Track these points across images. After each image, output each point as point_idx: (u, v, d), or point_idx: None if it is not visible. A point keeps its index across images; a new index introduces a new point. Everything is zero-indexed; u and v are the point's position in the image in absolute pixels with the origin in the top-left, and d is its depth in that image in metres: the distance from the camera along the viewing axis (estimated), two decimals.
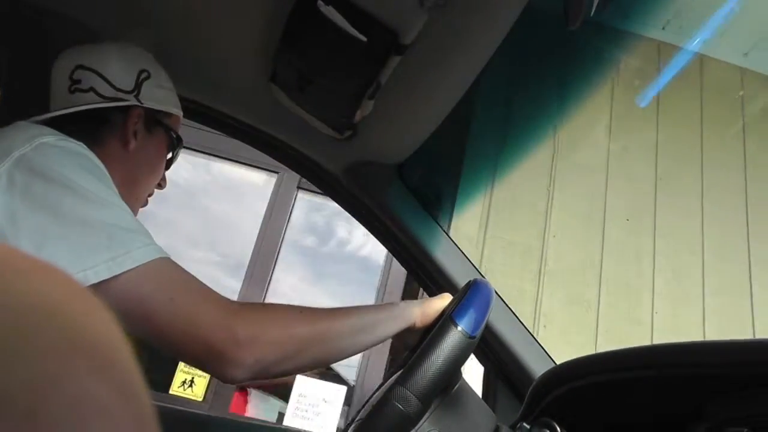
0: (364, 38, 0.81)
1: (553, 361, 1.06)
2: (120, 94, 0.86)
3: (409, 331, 0.81)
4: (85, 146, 0.71)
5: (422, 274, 1.16)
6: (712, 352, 0.48)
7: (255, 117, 1.19)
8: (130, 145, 0.86)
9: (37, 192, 0.62)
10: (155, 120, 0.91)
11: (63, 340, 0.16)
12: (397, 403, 0.54)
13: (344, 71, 0.91)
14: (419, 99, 0.97)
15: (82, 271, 0.58)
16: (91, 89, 0.84)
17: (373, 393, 0.76)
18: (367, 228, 1.22)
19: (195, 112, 1.19)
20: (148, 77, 0.90)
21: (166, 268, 0.65)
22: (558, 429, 0.62)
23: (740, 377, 0.45)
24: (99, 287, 0.59)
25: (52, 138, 0.68)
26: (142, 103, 0.88)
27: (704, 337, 2.56)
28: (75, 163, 0.67)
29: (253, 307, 0.69)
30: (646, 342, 2.44)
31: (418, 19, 0.77)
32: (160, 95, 0.92)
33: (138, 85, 0.88)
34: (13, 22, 1.05)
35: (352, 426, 0.67)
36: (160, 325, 0.62)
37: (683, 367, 0.49)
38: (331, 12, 0.79)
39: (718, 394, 0.47)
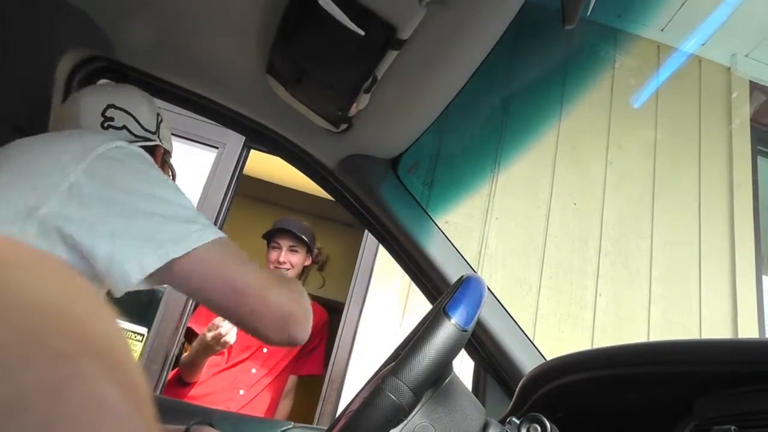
0: (361, 32, 0.81)
1: (543, 357, 1.07)
2: (148, 134, 0.97)
3: None
4: (145, 152, 0.84)
5: (414, 268, 1.16)
6: (702, 351, 0.48)
7: (251, 108, 1.19)
8: None
9: (120, 179, 0.76)
10: (165, 159, 1.03)
11: (72, 341, 0.16)
12: (390, 394, 0.54)
13: (341, 64, 0.91)
14: (415, 94, 0.97)
15: (183, 240, 0.72)
16: (124, 127, 0.94)
17: (364, 386, 0.76)
18: (360, 221, 1.22)
19: (191, 102, 1.19)
20: (162, 120, 1.01)
21: (232, 243, 0.80)
22: (547, 424, 0.63)
23: (729, 376, 0.46)
24: (183, 257, 0.72)
25: (124, 143, 0.81)
26: (162, 144, 1.00)
27: (648, 320, 2.56)
28: (147, 162, 0.82)
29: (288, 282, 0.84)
30: (587, 324, 2.47)
31: (416, 14, 0.77)
32: (168, 136, 1.05)
33: (158, 127, 1.00)
34: (13, 9, 1.04)
35: (343, 418, 0.68)
36: (242, 286, 0.76)
37: (673, 364, 0.50)
38: (329, 5, 0.79)
39: (707, 392, 0.48)
